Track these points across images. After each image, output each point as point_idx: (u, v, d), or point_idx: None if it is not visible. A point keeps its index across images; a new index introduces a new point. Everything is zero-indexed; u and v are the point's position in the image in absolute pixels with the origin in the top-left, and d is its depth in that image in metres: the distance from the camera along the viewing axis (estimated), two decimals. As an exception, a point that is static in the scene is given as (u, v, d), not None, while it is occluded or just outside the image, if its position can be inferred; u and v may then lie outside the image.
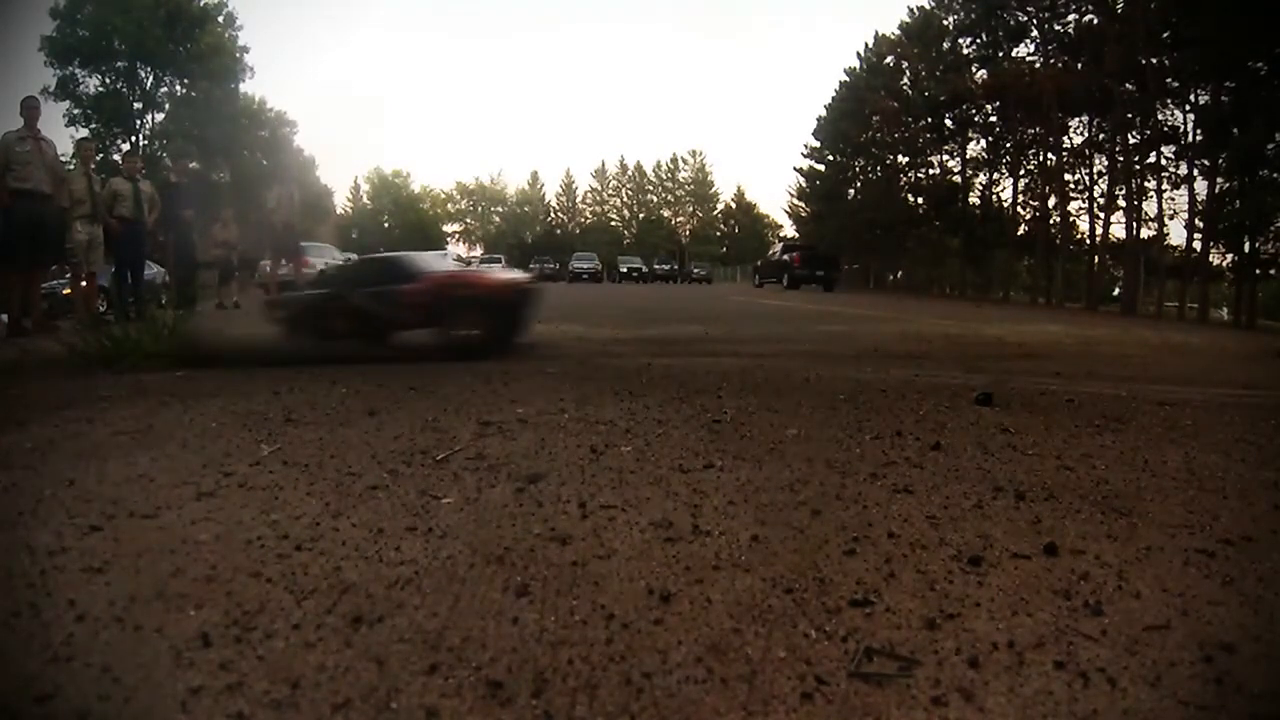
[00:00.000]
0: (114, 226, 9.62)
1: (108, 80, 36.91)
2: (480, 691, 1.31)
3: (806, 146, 49.51)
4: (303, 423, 3.41)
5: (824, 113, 47.77)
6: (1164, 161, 29.18)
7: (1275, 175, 24.73)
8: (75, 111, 36.22)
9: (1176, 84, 28.25)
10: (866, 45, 44.42)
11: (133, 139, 37.32)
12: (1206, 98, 27.34)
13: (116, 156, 31.42)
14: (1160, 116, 28.93)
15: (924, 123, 40.34)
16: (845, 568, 1.85)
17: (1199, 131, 27.50)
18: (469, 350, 6.22)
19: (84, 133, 33.90)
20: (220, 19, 38.72)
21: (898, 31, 41.87)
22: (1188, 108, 28.29)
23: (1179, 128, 28.62)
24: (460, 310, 6.60)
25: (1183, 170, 28.36)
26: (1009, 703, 1.31)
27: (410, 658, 1.42)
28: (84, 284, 9.52)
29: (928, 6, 39.39)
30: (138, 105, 37.78)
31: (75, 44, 35.56)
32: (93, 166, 10.30)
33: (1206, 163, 27.17)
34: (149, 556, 1.87)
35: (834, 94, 46.87)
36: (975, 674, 1.39)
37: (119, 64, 36.63)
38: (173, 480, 2.51)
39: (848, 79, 45.71)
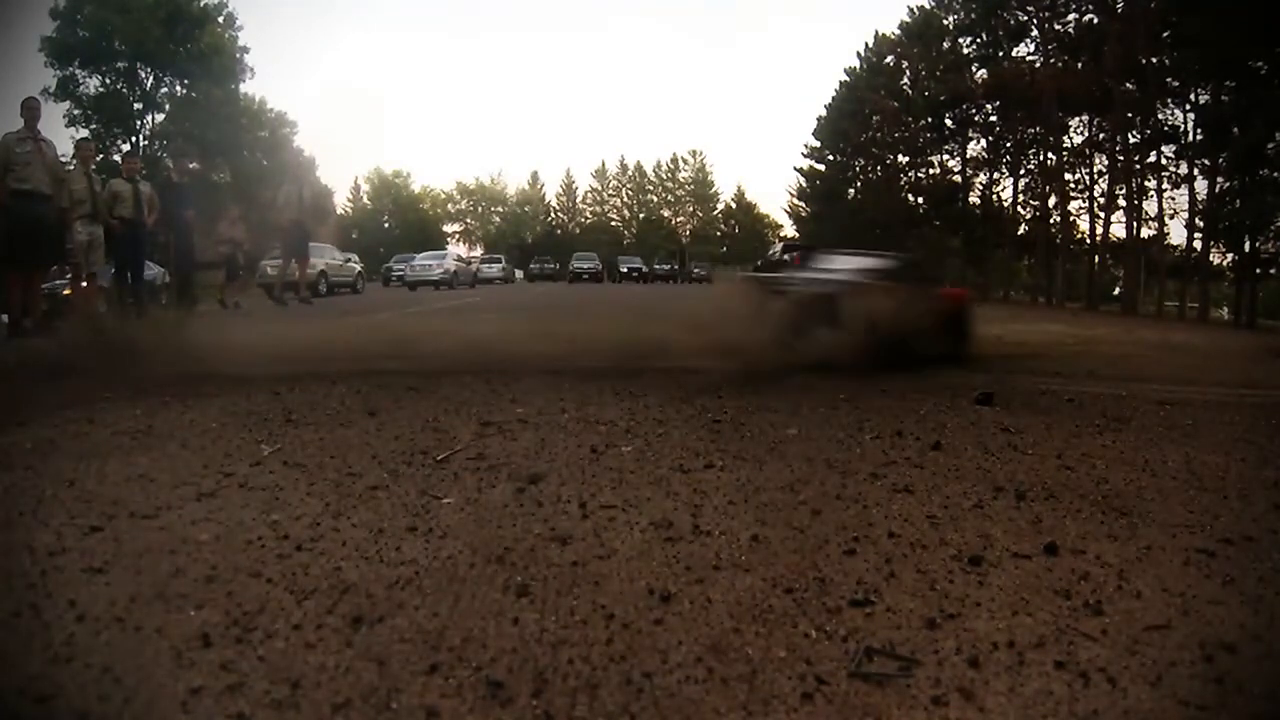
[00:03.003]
0: (114, 227, 9.62)
1: (108, 81, 36.86)
2: (480, 691, 1.31)
3: (806, 146, 49.27)
4: (303, 423, 3.41)
5: (824, 113, 47.69)
6: (1164, 161, 29.16)
7: (1275, 174, 24.70)
8: (75, 112, 36.15)
9: (1177, 83, 28.23)
10: (866, 45, 44.33)
11: (133, 139, 37.26)
12: (1207, 97, 27.33)
13: (116, 157, 31.36)
14: (1160, 116, 28.91)
15: (924, 122, 40.29)
16: (845, 567, 1.86)
17: (1199, 131, 27.49)
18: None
19: (84, 133, 33.80)
20: (220, 19, 38.67)
21: (898, 31, 41.82)
22: (1188, 107, 28.28)
23: (1179, 127, 28.60)
24: (967, 324, 6.41)
25: (1183, 170, 28.33)
26: (1009, 702, 1.31)
27: (410, 658, 1.42)
28: (84, 284, 9.51)
29: (928, 6, 39.34)
30: (138, 106, 37.73)
31: (75, 44, 35.49)
32: (93, 167, 10.29)
33: (1207, 162, 27.14)
34: (149, 557, 1.87)
35: (834, 94, 46.80)
36: (975, 674, 1.39)
37: (119, 64, 36.57)
38: (173, 480, 2.51)
39: (848, 79, 45.63)
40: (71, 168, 10.01)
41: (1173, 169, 28.88)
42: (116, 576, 1.76)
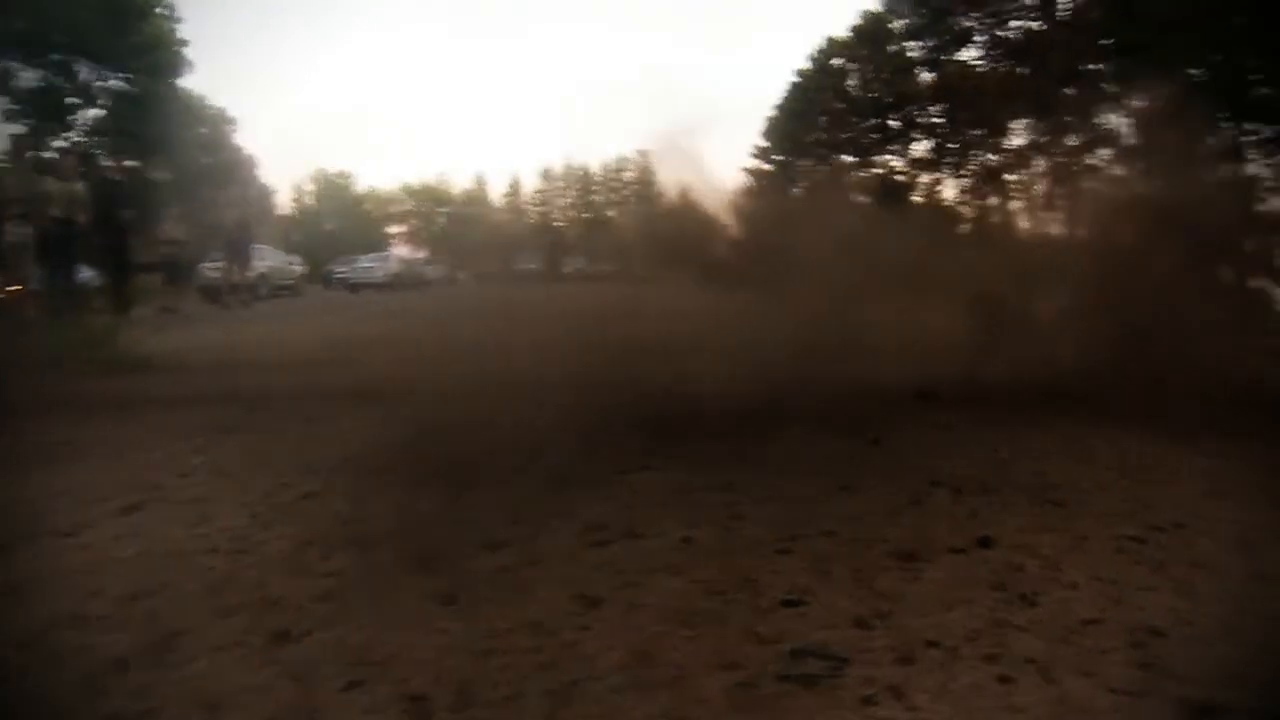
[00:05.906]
0: (46, 227, 9.32)
1: (44, 74, 35.58)
2: (403, 706, 1.28)
3: (755, 147, 49.66)
4: (237, 430, 3.33)
5: (774, 113, 47.99)
6: (1102, 163, 29.90)
7: (1207, 175, 25.49)
8: (12, 107, 34.81)
9: (1116, 89, 28.94)
10: (818, 48, 44.72)
11: (68, 136, 36.06)
12: (1144, 102, 28.08)
13: (50, 154, 30.36)
14: (1099, 120, 29.62)
15: (870, 123, 40.79)
16: (778, 567, 1.85)
17: (1136, 134, 28.24)
18: None
19: (18, 129, 32.63)
20: (160, 10, 37.47)
21: (849, 33, 42.24)
22: (1126, 112, 29.03)
23: (1116, 131, 29.35)
24: None
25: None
26: (939, 699, 1.31)
27: (332, 674, 1.38)
28: (13, 288, 9.21)
29: (877, 10, 39.81)
30: (74, 100, 36.53)
31: (12, 37, 34.21)
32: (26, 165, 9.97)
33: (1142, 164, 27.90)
34: (68, 577, 1.81)
35: (784, 95, 47.10)
36: (907, 670, 1.39)
37: (55, 57, 35.33)
38: (96, 495, 2.42)
39: (799, 80, 45.98)
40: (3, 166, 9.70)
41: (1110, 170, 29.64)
42: (32, 599, 1.70)
